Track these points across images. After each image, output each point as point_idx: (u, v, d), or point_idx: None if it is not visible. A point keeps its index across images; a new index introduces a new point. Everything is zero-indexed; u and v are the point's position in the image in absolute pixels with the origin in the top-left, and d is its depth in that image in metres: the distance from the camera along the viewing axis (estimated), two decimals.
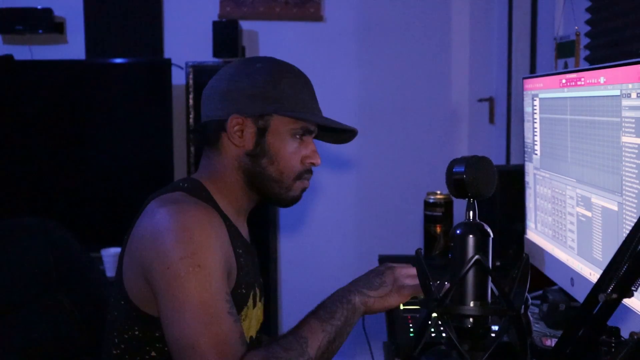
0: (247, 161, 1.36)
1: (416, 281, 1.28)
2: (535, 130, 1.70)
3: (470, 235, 0.91)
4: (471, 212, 0.94)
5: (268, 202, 1.44)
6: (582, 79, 1.38)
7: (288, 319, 3.54)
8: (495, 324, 1.01)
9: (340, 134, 1.49)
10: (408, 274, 1.32)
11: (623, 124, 1.19)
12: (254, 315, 1.41)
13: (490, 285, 0.92)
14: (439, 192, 2.18)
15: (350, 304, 1.29)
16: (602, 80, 1.28)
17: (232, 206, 1.39)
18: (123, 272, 1.31)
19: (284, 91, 1.35)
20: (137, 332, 1.29)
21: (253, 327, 1.42)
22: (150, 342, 1.28)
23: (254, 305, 1.40)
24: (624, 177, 1.20)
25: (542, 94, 1.64)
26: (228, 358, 1.15)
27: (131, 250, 1.29)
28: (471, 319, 0.90)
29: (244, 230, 1.43)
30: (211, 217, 1.27)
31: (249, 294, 1.36)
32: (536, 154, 1.71)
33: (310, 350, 1.22)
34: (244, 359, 1.16)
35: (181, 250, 1.19)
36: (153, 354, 1.28)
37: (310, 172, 1.41)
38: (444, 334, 0.94)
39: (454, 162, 0.95)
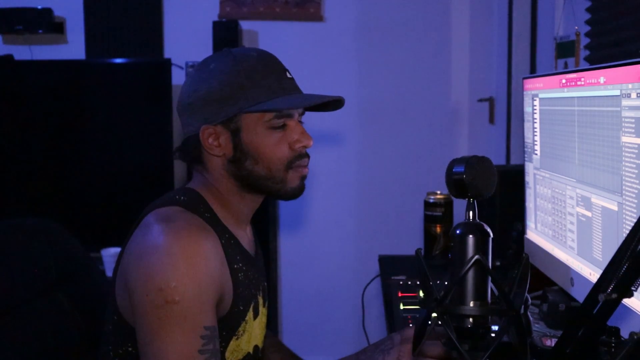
0: (232, 168, 1.30)
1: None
2: (535, 130, 1.70)
3: (470, 235, 0.90)
4: (471, 212, 0.93)
5: (272, 199, 1.39)
6: (582, 79, 1.38)
7: (288, 319, 3.54)
8: (495, 324, 1.01)
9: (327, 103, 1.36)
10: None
11: (623, 124, 1.19)
12: (255, 326, 1.37)
13: (490, 285, 0.92)
14: (438, 192, 2.18)
15: None
16: (602, 80, 1.28)
17: (231, 215, 1.34)
18: (116, 285, 1.28)
19: (243, 85, 1.27)
20: (130, 349, 1.27)
21: (256, 336, 1.39)
22: None
23: (255, 316, 1.36)
24: (623, 177, 1.20)
25: (542, 94, 1.64)
26: None
27: (123, 265, 1.27)
28: (471, 319, 0.90)
29: (245, 238, 1.38)
30: (204, 242, 1.21)
31: (248, 309, 1.32)
32: (536, 154, 1.71)
33: None
34: None
35: (163, 281, 1.15)
36: None
37: (304, 156, 1.32)
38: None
39: (454, 162, 0.95)
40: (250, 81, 1.27)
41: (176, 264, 1.16)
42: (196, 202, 1.30)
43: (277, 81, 1.30)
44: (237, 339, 1.32)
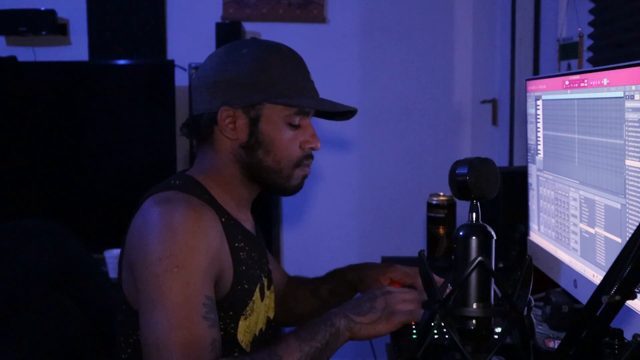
0: (243, 153, 1.32)
1: (410, 306, 1.22)
2: (538, 131, 1.69)
3: (473, 237, 0.90)
4: (474, 214, 0.93)
5: (270, 192, 1.40)
6: (585, 81, 1.37)
7: None
8: (498, 326, 1.01)
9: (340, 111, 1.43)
10: (403, 299, 1.23)
11: (626, 126, 1.19)
12: (262, 308, 1.38)
13: (493, 287, 0.92)
14: (442, 193, 2.18)
15: (334, 328, 1.20)
16: (605, 81, 1.28)
17: (232, 199, 1.35)
18: (122, 273, 1.30)
19: (273, 76, 1.29)
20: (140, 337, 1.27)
21: (262, 319, 1.39)
22: None
23: (262, 297, 1.37)
24: (627, 179, 1.20)
25: (545, 96, 1.64)
26: None
27: (125, 251, 1.28)
28: (474, 321, 0.90)
29: (248, 222, 1.40)
30: (202, 215, 1.22)
31: (254, 288, 1.33)
32: (539, 156, 1.71)
33: None
34: None
35: (161, 251, 1.16)
36: None
37: (310, 157, 1.36)
38: (447, 336, 0.95)
39: (457, 164, 0.95)
40: (280, 75, 1.30)
41: (175, 236, 1.17)
42: (191, 185, 1.31)
43: (302, 81, 1.33)
44: (245, 319, 1.32)
